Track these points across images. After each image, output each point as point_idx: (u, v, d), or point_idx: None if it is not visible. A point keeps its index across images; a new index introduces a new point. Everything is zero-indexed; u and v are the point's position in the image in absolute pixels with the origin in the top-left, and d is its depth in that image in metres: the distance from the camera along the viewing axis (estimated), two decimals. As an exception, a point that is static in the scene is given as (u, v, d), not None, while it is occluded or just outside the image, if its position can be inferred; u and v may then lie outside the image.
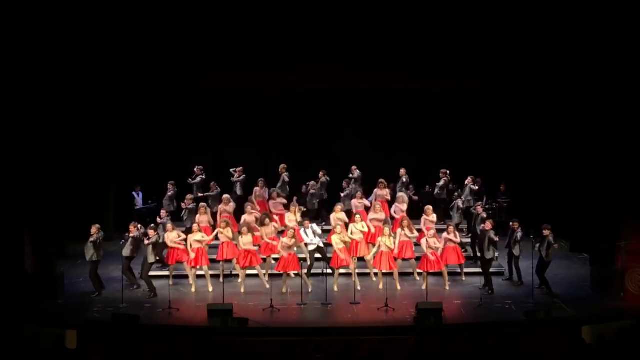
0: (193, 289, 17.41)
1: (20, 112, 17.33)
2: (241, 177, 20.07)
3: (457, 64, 18.39)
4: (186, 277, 17.76)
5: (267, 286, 17.14)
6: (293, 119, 21.67)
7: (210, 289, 17.38)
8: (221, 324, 15.23)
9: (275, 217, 18.62)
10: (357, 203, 19.01)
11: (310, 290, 17.12)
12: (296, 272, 17.35)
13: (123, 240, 17.28)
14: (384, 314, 15.94)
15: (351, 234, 17.85)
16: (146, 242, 17.04)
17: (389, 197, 19.23)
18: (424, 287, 16.99)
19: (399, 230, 17.81)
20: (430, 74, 18.64)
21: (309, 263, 17.83)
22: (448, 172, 20.05)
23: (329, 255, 17.70)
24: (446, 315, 15.67)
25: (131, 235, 17.16)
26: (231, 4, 17.83)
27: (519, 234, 17.31)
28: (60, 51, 17.60)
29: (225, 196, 19.07)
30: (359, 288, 17.03)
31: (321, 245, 17.89)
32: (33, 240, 17.56)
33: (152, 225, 17.57)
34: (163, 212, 18.52)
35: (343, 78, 18.73)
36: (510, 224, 17.61)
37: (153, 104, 21.12)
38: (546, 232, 16.91)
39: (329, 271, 17.48)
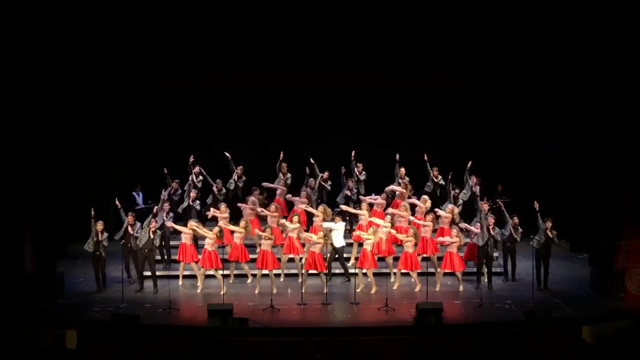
0: (199, 290, 17.40)
1: (21, 112, 17.33)
2: (234, 176, 19.99)
3: (458, 64, 18.43)
4: (193, 277, 17.80)
5: (273, 291, 17.13)
6: (292, 118, 21.63)
7: (199, 290, 17.39)
8: (221, 324, 15.22)
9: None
10: (381, 201, 18.97)
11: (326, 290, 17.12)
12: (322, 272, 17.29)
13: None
14: (384, 314, 15.94)
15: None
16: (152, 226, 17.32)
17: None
18: (437, 289, 17.16)
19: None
20: (430, 74, 18.67)
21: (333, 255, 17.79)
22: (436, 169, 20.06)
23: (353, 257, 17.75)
24: (446, 315, 15.66)
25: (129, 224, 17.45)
26: (232, 4, 17.85)
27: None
28: (60, 50, 17.61)
29: (252, 197, 19.03)
30: (372, 291, 17.16)
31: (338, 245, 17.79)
32: (33, 240, 17.55)
33: (151, 218, 17.65)
34: (166, 206, 18.49)
35: (342, 77, 18.75)
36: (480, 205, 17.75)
37: (153, 103, 21.09)
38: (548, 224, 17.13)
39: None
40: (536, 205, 17.44)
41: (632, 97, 17.04)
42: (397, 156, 19.73)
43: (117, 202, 17.88)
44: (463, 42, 18.20)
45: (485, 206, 18.37)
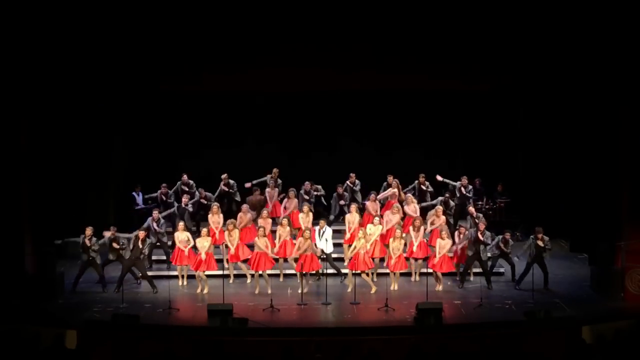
0: (198, 290, 17.39)
1: (21, 112, 17.32)
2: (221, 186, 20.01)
3: (458, 65, 18.42)
4: (193, 277, 17.76)
5: (268, 291, 17.15)
6: (292, 118, 21.64)
7: (199, 290, 17.35)
8: (221, 324, 15.23)
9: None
10: (373, 205, 18.96)
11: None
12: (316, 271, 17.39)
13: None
14: (384, 314, 15.94)
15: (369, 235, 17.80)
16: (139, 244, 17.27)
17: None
18: (438, 289, 17.20)
19: (411, 230, 17.90)
20: (430, 74, 18.67)
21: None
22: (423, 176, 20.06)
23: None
24: (446, 315, 15.67)
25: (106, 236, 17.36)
26: (231, 4, 17.85)
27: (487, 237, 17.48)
28: (60, 51, 17.61)
29: (244, 206, 18.97)
30: (372, 291, 17.14)
31: (328, 251, 17.73)
32: (33, 240, 17.55)
33: (144, 227, 17.71)
34: (155, 214, 18.48)
35: (342, 77, 18.73)
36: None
37: (153, 103, 21.11)
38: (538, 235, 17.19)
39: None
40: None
41: (632, 98, 17.03)
42: None
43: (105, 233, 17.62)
44: (463, 43, 18.19)
45: (471, 209, 18.36)
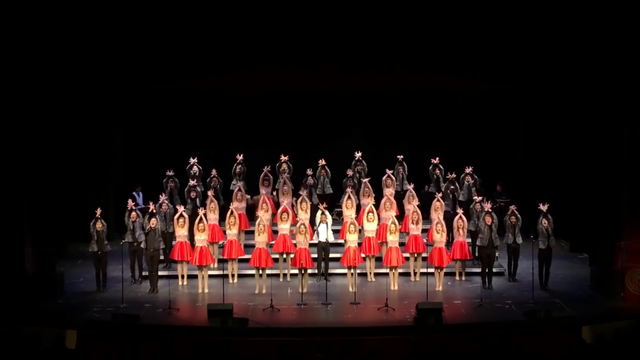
0: (199, 290, 17.39)
1: (21, 113, 17.33)
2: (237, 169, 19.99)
3: (459, 64, 18.43)
4: (194, 277, 17.79)
5: (262, 291, 17.17)
6: (294, 118, 21.66)
7: (200, 289, 17.36)
8: (221, 324, 15.23)
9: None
10: (367, 200, 18.95)
11: (305, 290, 17.10)
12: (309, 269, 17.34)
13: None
14: (384, 314, 15.95)
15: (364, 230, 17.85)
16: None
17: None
18: (438, 289, 17.19)
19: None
20: (431, 74, 18.68)
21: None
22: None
23: (337, 255, 17.75)
24: (446, 315, 15.68)
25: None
26: (233, 4, 17.87)
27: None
28: (60, 51, 17.63)
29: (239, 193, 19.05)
30: (354, 289, 17.05)
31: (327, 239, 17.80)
32: (33, 240, 17.56)
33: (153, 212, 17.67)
34: (163, 199, 18.46)
35: (343, 78, 18.75)
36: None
37: (152, 103, 21.12)
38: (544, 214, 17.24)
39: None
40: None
41: (633, 97, 17.05)
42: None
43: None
44: (463, 43, 18.21)
45: (477, 206, 18.36)
